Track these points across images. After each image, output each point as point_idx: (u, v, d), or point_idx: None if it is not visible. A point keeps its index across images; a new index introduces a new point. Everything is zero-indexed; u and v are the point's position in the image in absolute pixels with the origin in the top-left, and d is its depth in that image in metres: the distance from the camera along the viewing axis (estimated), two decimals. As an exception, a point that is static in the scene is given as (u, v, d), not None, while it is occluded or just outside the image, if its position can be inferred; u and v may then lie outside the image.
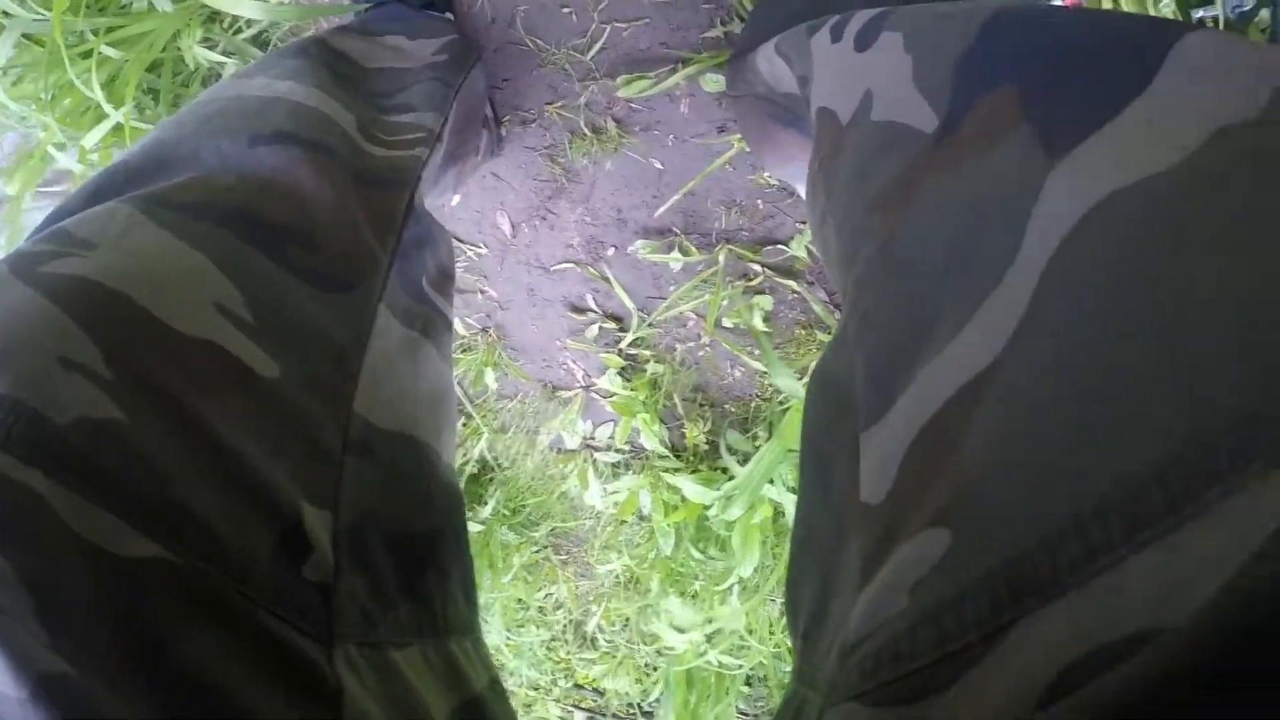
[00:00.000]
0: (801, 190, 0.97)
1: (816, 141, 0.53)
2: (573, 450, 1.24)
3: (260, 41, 1.05)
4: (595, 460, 1.23)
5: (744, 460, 1.14)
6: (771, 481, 1.07)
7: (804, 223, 1.04)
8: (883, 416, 0.34)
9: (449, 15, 0.98)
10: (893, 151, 0.42)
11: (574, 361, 1.19)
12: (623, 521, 1.26)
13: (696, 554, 1.20)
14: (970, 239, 0.33)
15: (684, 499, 1.16)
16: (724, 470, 1.17)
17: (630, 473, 1.22)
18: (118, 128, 0.96)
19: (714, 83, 0.98)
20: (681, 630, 1.23)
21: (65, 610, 0.28)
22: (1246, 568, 0.19)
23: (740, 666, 1.25)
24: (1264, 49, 0.29)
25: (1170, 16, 0.86)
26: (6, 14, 0.91)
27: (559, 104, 1.03)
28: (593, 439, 1.23)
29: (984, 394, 0.29)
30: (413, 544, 0.47)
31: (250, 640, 0.34)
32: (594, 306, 1.14)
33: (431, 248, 0.63)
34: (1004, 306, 0.29)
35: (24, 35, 0.97)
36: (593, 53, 1.00)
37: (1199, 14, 0.88)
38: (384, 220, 0.56)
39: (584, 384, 1.20)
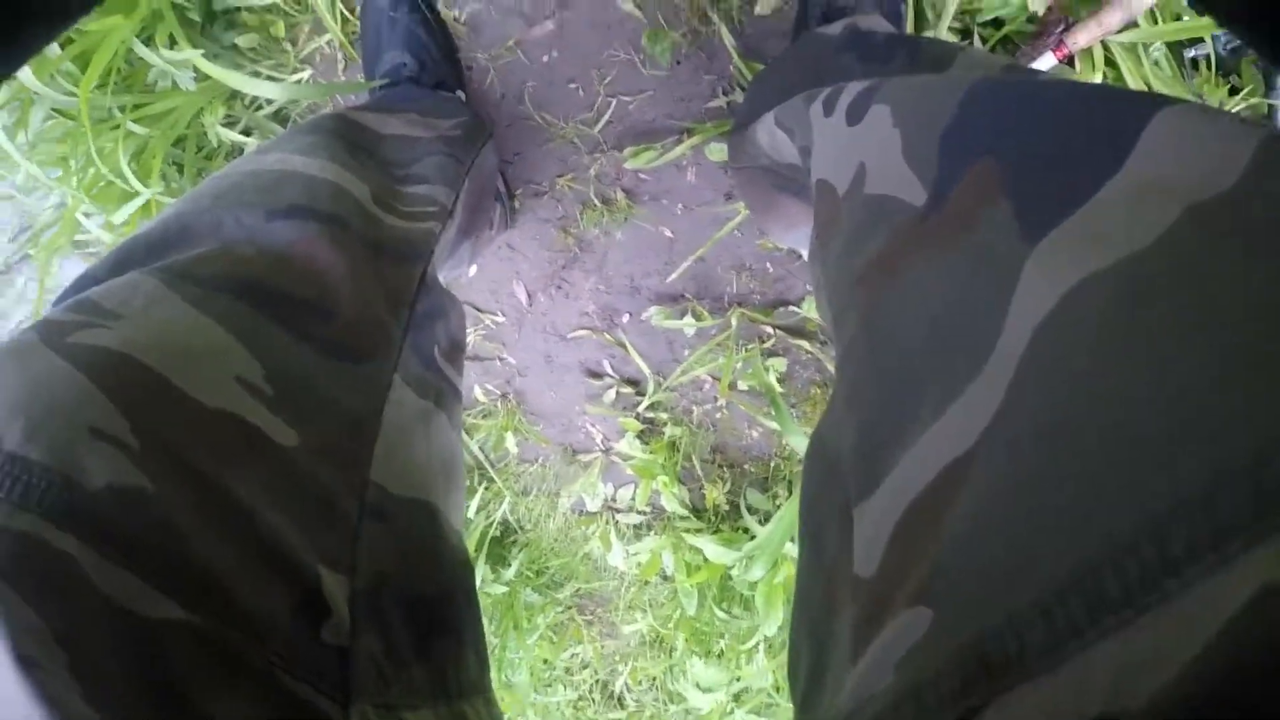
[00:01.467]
0: (806, 255, 0.98)
1: (816, 213, 0.54)
2: (594, 512, 1.25)
3: (280, 118, 1.08)
4: (617, 521, 1.24)
5: (765, 520, 1.14)
6: (793, 540, 1.07)
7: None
8: (873, 493, 0.35)
9: (460, 94, 1.00)
10: (880, 224, 0.43)
11: (593, 425, 1.20)
12: (646, 582, 1.27)
13: (721, 613, 1.20)
14: (951, 322, 0.34)
15: (706, 559, 1.16)
16: (745, 530, 1.17)
17: (652, 533, 1.23)
18: (146, 205, 0.99)
19: (719, 152, 1.00)
20: (706, 690, 1.23)
21: (95, 666, 0.30)
22: (1199, 658, 0.19)
23: (768, 726, 1.24)
24: (1238, 120, 0.30)
25: (1161, 58, 0.87)
26: (35, 92, 0.95)
27: (569, 176, 1.05)
28: (614, 501, 1.24)
29: (962, 478, 0.30)
30: (426, 606, 0.48)
31: (270, 699, 0.35)
32: (610, 372, 1.15)
33: (443, 319, 0.64)
34: (981, 395, 0.30)
35: (54, 109, 1.01)
36: (600, 126, 1.02)
37: (1191, 53, 0.88)
38: (397, 293, 0.58)
39: (603, 447, 1.21)
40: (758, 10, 0.95)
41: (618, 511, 1.24)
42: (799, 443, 0.99)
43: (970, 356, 0.32)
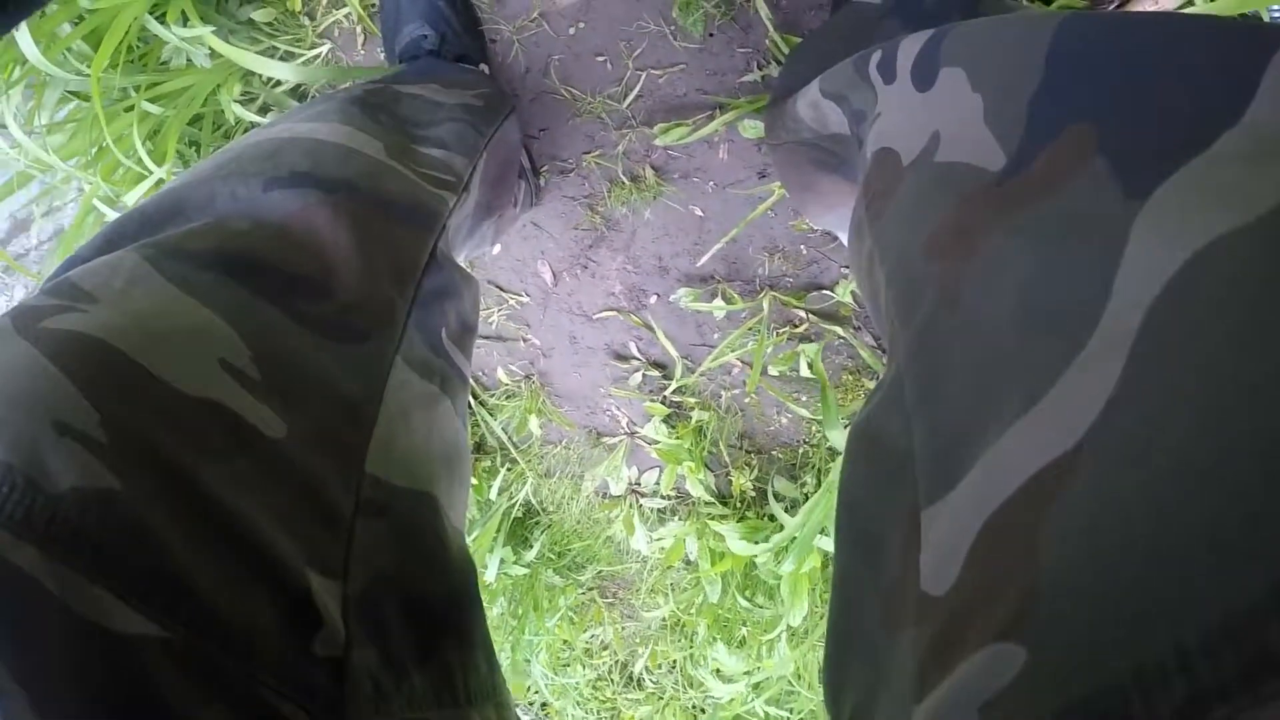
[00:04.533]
0: (844, 237, 0.94)
1: (867, 181, 0.49)
2: (618, 496, 1.22)
3: (299, 94, 1.05)
4: (641, 506, 1.22)
5: (791, 507, 1.11)
6: (823, 532, 1.04)
7: (849, 268, 1.01)
8: (947, 494, 0.31)
9: (484, 67, 0.96)
10: (948, 191, 0.38)
11: (618, 408, 1.17)
12: (669, 566, 1.24)
13: (744, 602, 1.17)
14: (1045, 291, 0.29)
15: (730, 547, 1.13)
16: (771, 518, 1.14)
17: (676, 519, 1.20)
18: (159, 184, 0.97)
19: (752, 129, 0.96)
20: (728, 680, 1.21)
21: (62, 696, 0.27)
22: None
23: (788, 715, 1.22)
24: None
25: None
26: (47, 75, 0.92)
27: (596, 153, 1.01)
28: (638, 485, 1.21)
29: (1064, 484, 0.25)
30: (428, 608, 0.44)
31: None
32: (637, 354, 1.12)
33: (454, 299, 0.60)
34: (1088, 380, 0.26)
35: (69, 91, 0.99)
36: (629, 100, 0.98)
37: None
38: (405, 266, 0.54)
39: (628, 430, 1.18)
40: (797, -19, 0.90)
41: (642, 496, 1.21)
42: (838, 437, 0.96)
43: (1070, 332, 0.27)
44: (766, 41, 0.93)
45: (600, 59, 0.97)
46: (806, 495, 1.12)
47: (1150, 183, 0.27)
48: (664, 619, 1.30)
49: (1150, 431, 0.23)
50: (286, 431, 0.40)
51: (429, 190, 0.62)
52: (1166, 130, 0.28)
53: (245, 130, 1.06)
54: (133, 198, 0.96)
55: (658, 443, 1.14)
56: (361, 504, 0.42)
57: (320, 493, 0.40)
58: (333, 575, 0.39)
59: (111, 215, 1.00)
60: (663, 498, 1.20)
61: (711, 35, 0.94)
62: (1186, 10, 0.79)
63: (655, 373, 1.12)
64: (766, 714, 1.21)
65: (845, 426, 0.99)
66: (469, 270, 0.67)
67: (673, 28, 0.94)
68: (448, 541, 0.49)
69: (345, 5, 0.98)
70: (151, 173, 0.95)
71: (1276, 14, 0.80)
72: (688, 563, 1.24)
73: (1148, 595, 0.21)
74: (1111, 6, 0.83)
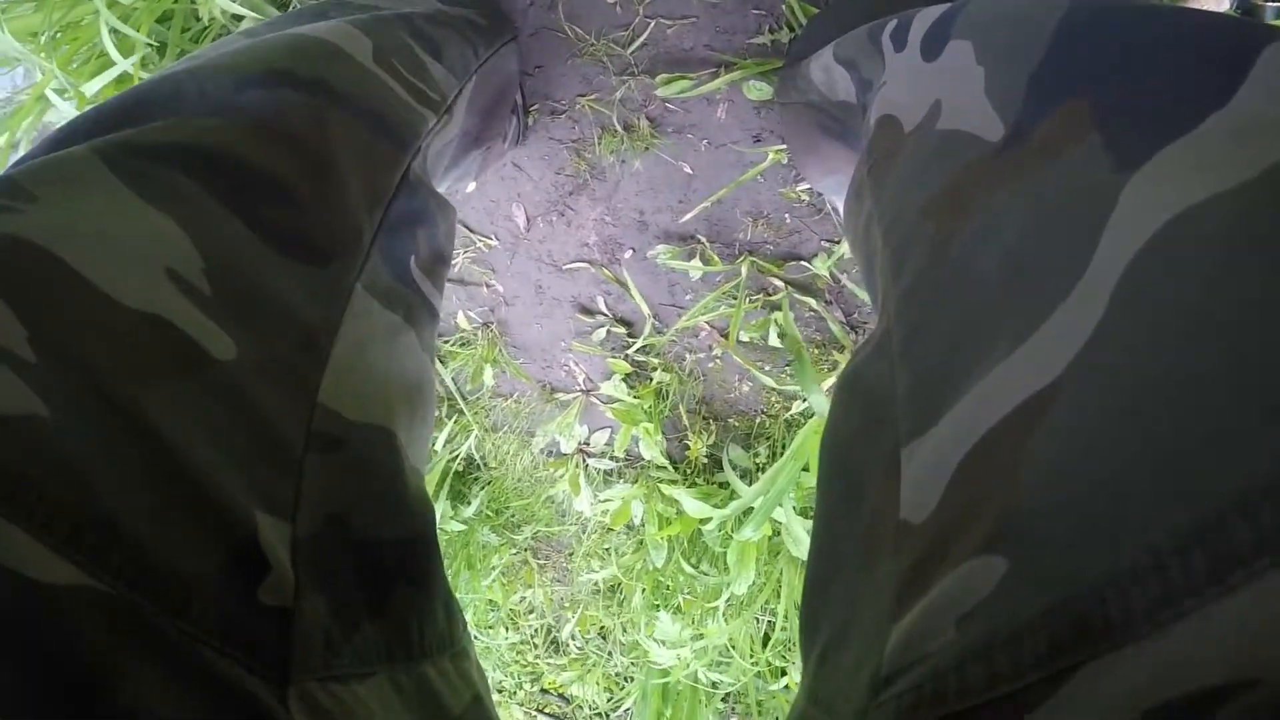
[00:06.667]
0: (838, 203, 0.95)
1: (870, 146, 0.50)
2: (566, 454, 1.20)
3: (280, 3, 0.98)
4: (588, 466, 1.20)
5: (742, 476, 1.11)
6: (780, 505, 1.05)
7: (829, 241, 1.02)
8: (928, 430, 0.32)
9: (486, -6, 0.93)
10: (949, 158, 0.39)
11: (575, 364, 1.15)
12: (609, 530, 1.23)
13: (688, 568, 1.17)
14: (1035, 249, 0.31)
15: (679, 512, 1.12)
16: (722, 485, 1.14)
17: (623, 481, 1.19)
18: (123, 78, 0.89)
19: (756, 90, 0.95)
20: (671, 646, 1.21)
21: None
22: None
23: (720, 683, 1.22)
24: None
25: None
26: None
27: (592, 97, 0.99)
28: (587, 444, 1.19)
29: (1045, 412, 0.26)
30: (383, 552, 0.42)
31: (192, 684, 0.29)
32: (604, 309, 1.10)
33: (427, 226, 0.57)
34: (1071, 321, 0.27)
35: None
36: (634, 47, 0.95)
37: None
38: (375, 187, 0.51)
39: (584, 388, 1.16)
40: (820, -56, 0.90)
41: (590, 456, 1.20)
42: (818, 402, 0.96)
43: (1056, 283, 0.29)
44: (783, 6, 0.92)
45: (610, 1, 0.94)
46: (759, 465, 1.13)
47: (1141, 156, 0.29)
48: (596, 584, 1.29)
49: (1128, 362, 0.25)
50: (236, 354, 0.36)
51: (411, 106, 0.58)
52: (1159, 109, 0.30)
53: (217, 34, 0.99)
54: (91, 88, 0.88)
55: (617, 402, 1.13)
56: (313, 438, 0.39)
57: (269, 424, 0.37)
58: (281, 515, 0.36)
59: (63, 106, 0.92)
60: (612, 459, 1.18)
61: (724, -9, 0.93)
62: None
63: (620, 329, 1.10)
64: (704, 680, 1.21)
65: (826, 395, 0.99)
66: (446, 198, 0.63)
67: (686, -23, 0.93)
68: (406, 481, 0.46)
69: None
70: (116, 63, 0.87)
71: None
72: (629, 528, 1.22)
73: (1125, 504, 0.23)
74: None
